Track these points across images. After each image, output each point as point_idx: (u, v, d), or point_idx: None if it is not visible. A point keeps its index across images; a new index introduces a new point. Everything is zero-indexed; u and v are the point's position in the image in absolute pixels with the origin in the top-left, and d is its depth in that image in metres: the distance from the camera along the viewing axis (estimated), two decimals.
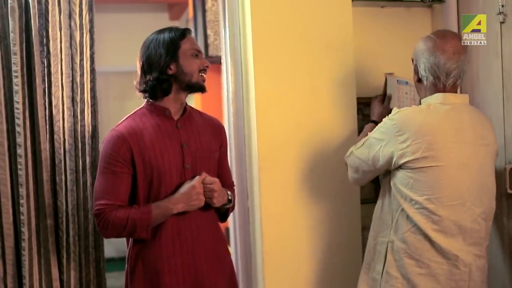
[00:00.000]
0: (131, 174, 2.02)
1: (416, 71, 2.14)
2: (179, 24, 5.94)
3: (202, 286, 2.06)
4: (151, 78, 2.05)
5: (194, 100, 5.53)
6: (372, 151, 2.11)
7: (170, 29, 2.09)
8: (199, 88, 2.10)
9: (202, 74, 2.09)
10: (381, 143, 2.08)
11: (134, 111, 2.13)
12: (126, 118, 2.11)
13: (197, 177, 2.03)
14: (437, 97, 2.08)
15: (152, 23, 5.64)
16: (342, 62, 2.60)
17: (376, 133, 2.12)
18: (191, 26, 5.16)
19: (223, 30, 2.86)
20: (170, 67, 2.04)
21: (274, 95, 2.53)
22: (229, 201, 2.15)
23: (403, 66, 2.92)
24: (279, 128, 2.54)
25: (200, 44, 4.78)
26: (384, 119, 2.12)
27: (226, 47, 2.74)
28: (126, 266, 2.11)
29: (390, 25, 2.87)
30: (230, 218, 3.08)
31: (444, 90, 2.08)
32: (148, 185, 2.03)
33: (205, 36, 4.64)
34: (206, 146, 2.13)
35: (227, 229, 5.00)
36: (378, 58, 2.89)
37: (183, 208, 2.01)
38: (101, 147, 2.08)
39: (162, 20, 5.88)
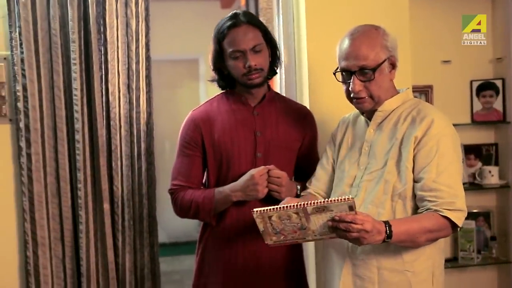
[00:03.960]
0: (202, 157, 2.05)
1: (394, 62, 1.94)
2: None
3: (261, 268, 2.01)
4: (214, 72, 2.07)
5: None
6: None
7: (224, 20, 1.99)
8: (249, 87, 2.01)
9: (249, 78, 1.96)
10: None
11: (215, 95, 2.14)
12: (205, 102, 2.12)
13: (260, 168, 1.93)
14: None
15: (203, 11, 5.67)
16: (398, 51, 2.55)
17: (455, 156, 1.73)
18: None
19: (276, 18, 2.85)
20: (225, 68, 2.03)
21: (328, 82, 2.50)
22: (298, 196, 2.01)
23: (459, 52, 2.87)
24: (332, 117, 2.51)
25: None
26: (444, 141, 1.71)
27: (279, 35, 2.73)
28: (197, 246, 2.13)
29: (447, 12, 2.80)
30: None
31: None
32: (218, 169, 2.04)
33: None
34: (283, 135, 2.04)
35: None
36: (434, 46, 2.84)
37: (241, 196, 1.95)
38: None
39: (213, 8, 5.88)
